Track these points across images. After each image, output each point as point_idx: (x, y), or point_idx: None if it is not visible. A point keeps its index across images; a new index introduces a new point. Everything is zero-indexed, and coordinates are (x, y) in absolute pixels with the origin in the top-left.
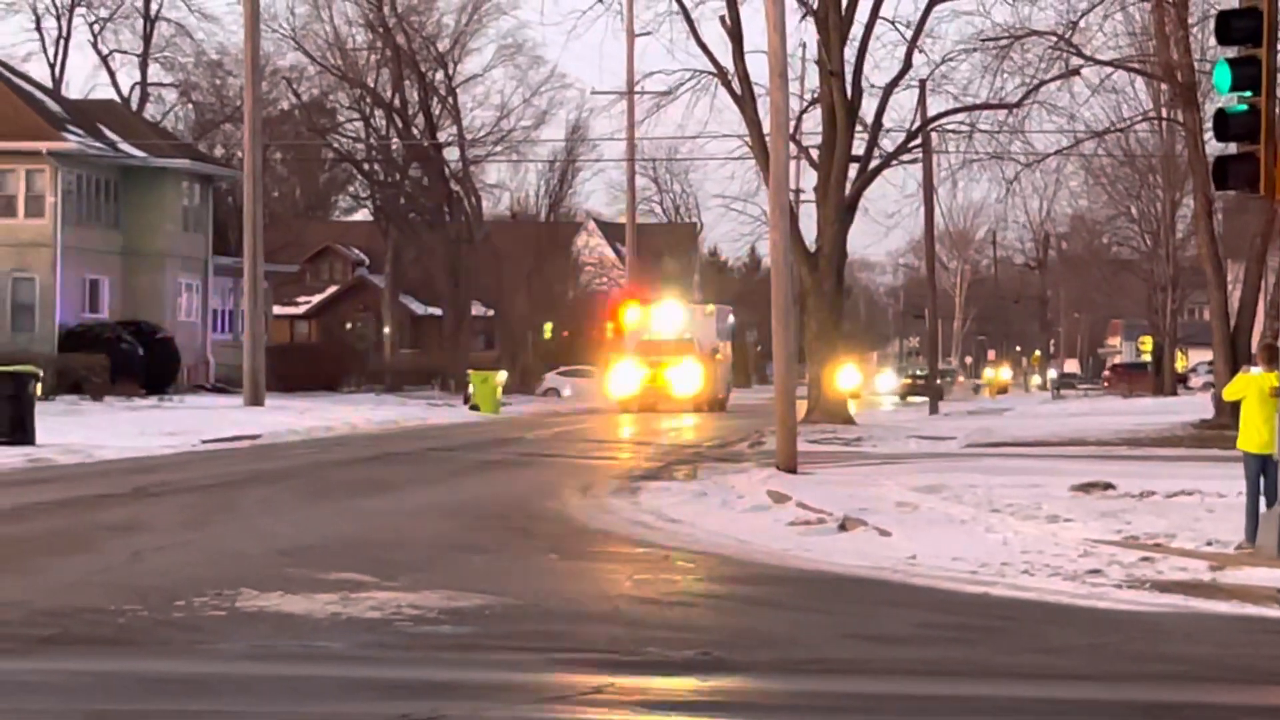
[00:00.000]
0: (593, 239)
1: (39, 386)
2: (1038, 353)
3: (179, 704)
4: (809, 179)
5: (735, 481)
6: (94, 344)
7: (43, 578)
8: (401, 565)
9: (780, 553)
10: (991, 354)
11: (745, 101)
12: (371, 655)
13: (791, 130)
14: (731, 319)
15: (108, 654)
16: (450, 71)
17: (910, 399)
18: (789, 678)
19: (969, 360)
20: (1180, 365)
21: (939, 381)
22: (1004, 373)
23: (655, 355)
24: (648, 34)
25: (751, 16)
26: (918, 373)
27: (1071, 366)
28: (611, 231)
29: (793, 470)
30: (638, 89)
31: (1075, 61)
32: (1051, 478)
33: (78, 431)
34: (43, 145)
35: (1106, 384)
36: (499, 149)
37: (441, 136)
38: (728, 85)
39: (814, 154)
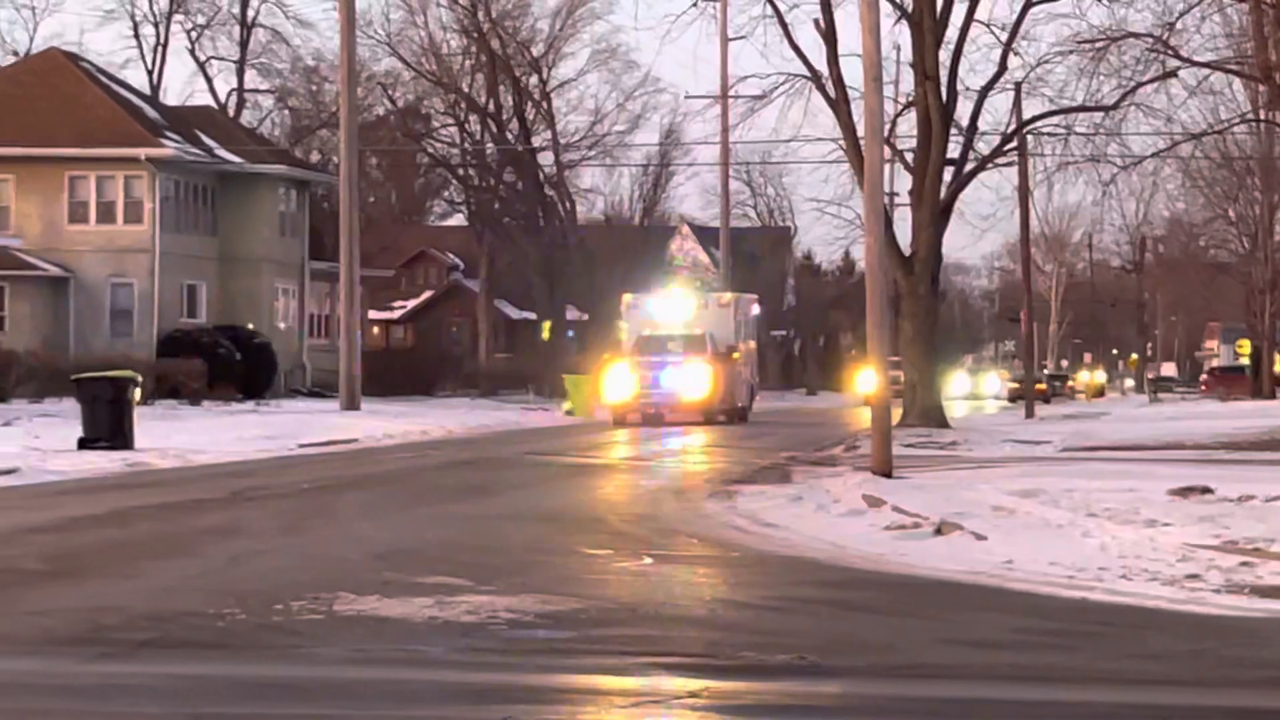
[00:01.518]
0: (687, 243)
1: (138, 391)
2: (1134, 356)
3: (278, 708)
4: (903, 182)
5: (830, 486)
6: (192, 349)
7: (142, 581)
8: (497, 569)
9: (876, 557)
10: (1088, 357)
11: (839, 105)
12: (468, 659)
13: (886, 134)
14: (756, 310)
15: (207, 658)
16: (544, 76)
17: (1017, 402)
18: (885, 683)
19: (1064, 364)
20: (1279, 368)
21: (1049, 386)
22: (1099, 376)
23: (656, 355)
24: (741, 38)
25: (846, 20)
26: (1041, 373)
27: (1168, 370)
28: (705, 235)
29: (888, 474)
30: (731, 93)
31: (1172, 63)
32: (1149, 482)
33: (176, 436)
34: (141, 151)
35: (1204, 387)
36: (593, 153)
37: (536, 141)
38: (822, 89)
39: (909, 157)
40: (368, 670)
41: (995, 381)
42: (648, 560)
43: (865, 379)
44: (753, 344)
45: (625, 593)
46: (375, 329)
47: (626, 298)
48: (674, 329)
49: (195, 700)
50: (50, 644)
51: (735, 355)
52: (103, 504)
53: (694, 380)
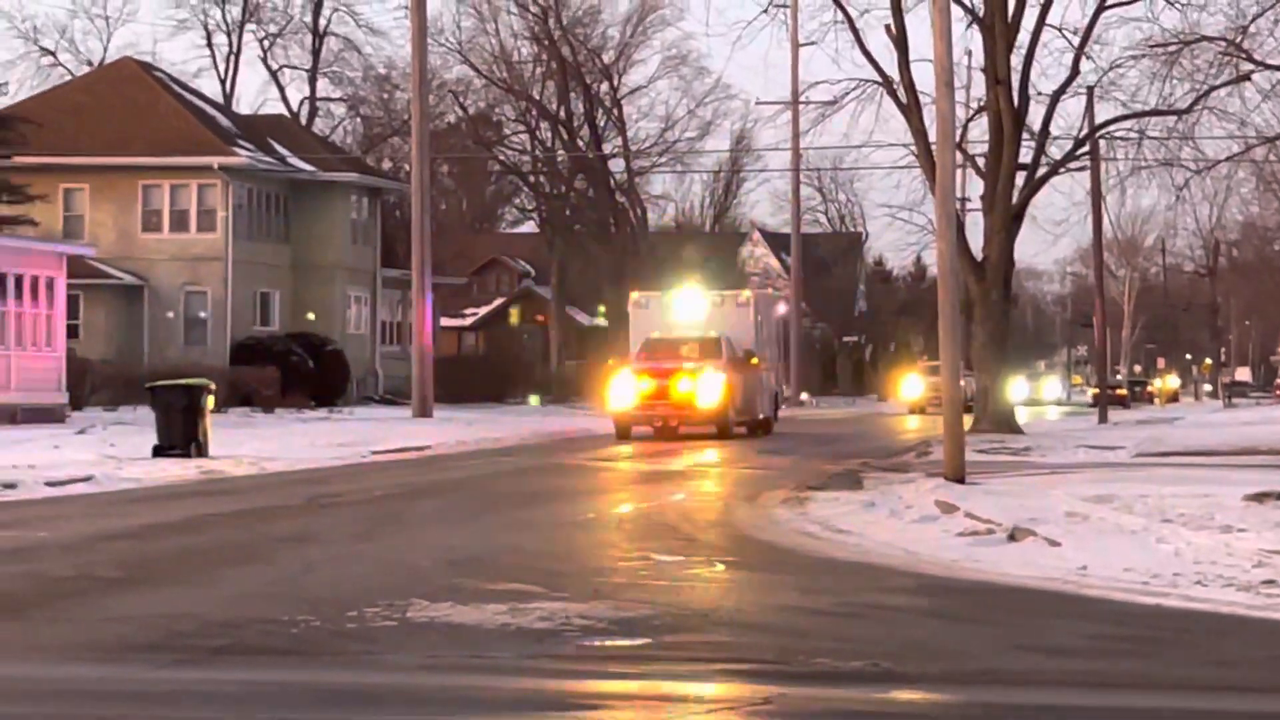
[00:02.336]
0: (758, 249)
1: (211, 399)
2: (1208, 361)
3: (352, 714)
4: (975, 187)
5: (903, 492)
6: (264, 357)
7: (216, 588)
8: (569, 575)
9: (949, 563)
10: (1161, 362)
11: (911, 110)
12: (541, 666)
13: (958, 139)
14: (782, 309)
15: (281, 664)
16: (615, 83)
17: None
18: (959, 689)
19: (1138, 369)
20: None
21: (1129, 391)
22: (1172, 381)
23: (664, 361)
24: (812, 44)
25: (917, 26)
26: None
27: (1243, 374)
28: (776, 241)
29: (961, 480)
30: (802, 99)
31: (1245, 67)
32: (1224, 487)
33: (249, 443)
34: (214, 160)
35: (1278, 392)
36: (664, 160)
37: (607, 148)
38: (893, 94)
39: (980, 162)
40: (441, 677)
41: (1056, 386)
42: (719, 566)
43: (910, 385)
44: (777, 347)
45: (697, 599)
46: (447, 336)
47: (634, 296)
48: (686, 331)
49: (269, 707)
50: (126, 650)
51: (754, 360)
52: (177, 511)
53: (706, 389)
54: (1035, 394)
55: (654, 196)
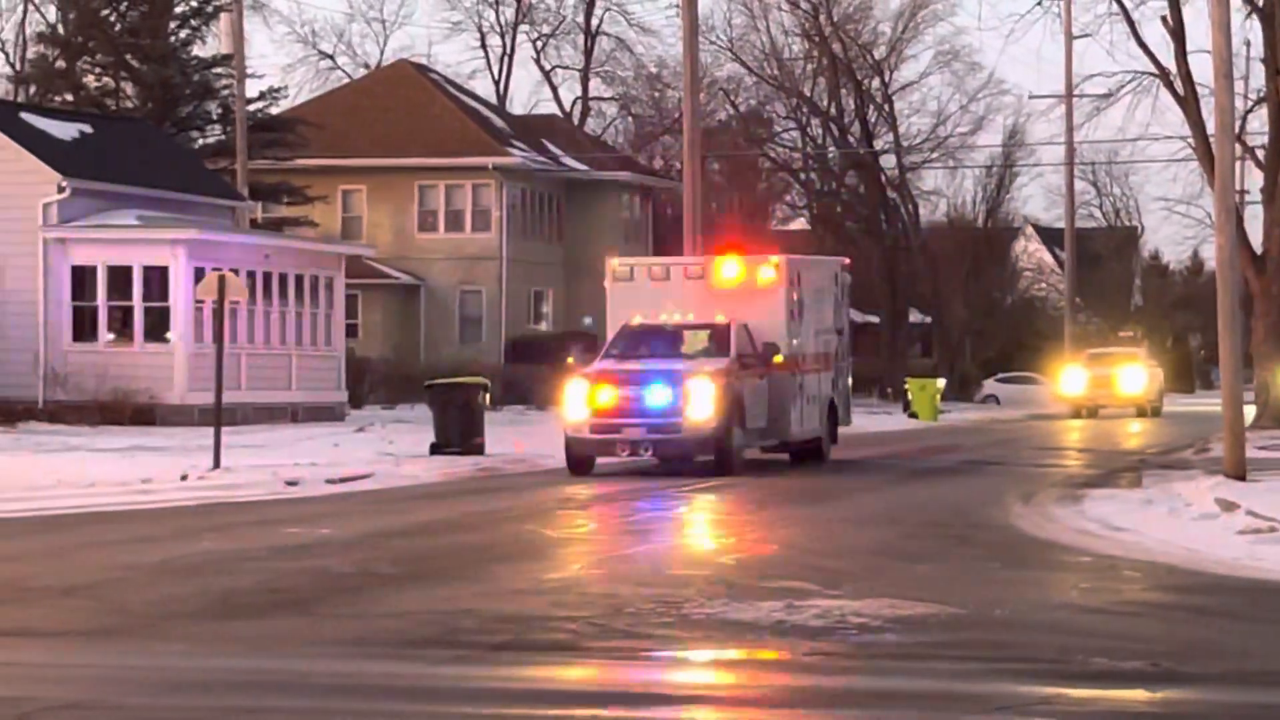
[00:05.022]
0: (1030, 244)
1: (487, 397)
2: None
3: (635, 711)
4: (1255, 180)
5: (1182, 489)
6: (538, 355)
7: (493, 585)
8: (844, 573)
9: (1230, 562)
10: None
11: (1188, 102)
12: (818, 664)
13: (1237, 130)
14: (835, 283)
15: (559, 661)
16: (886, 79)
17: None
18: (1242, 690)
19: None
20: None
21: None
22: None
23: (638, 360)
24: (1086, 36)
25: (1194, 17)
26: None
27: None
28: (1049, 236)
29: (1241, 477)
30: (1076, 92)
31: None
32: None
33: (525, 441)
34: (489, 160)
35: None
36: (935, 155)
37: (878, 144)
38: (1169, 86)
39: (1260, 154)
40: (717, 674)
41: None
42: (996, 565)
43: (1070, 379)
44: (842, 337)
45: (974, 597)
46: None
47: (612, 264)
48: (683, 315)
49: (551, 703)
50: (407, 646)
51: (777, 358)
52: (454, 508)
53: (695, 400)
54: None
55: (925, 192)
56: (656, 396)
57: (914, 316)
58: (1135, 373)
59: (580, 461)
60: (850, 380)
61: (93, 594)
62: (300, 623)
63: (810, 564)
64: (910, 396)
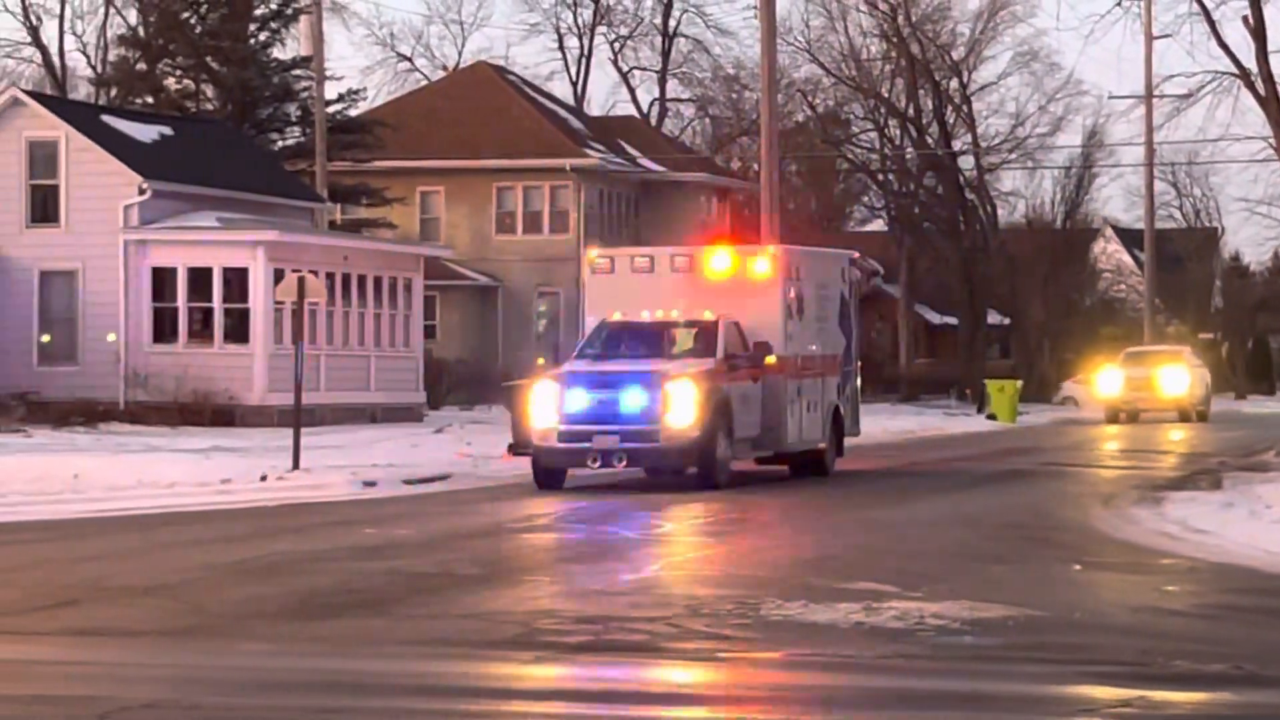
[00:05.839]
0: (1110, 245)
1: None
2: None
3: (712, 712)
4: None
5: (1263, 492)
6: None
7: (570, 585)
8: (922, 575)
9: None
10: None
11: (1269, 103)
12: (897, 665)
13: None
14: (843, 279)
15: (636, 662)
16: (965, 80)
17: None
18: None
19: None
20: None
21: None
22: None
23: (614, 361)
24: (1166, 36)
25: (1276, 17)
26: None
27: None
28: (1129, 237)
29: None
30: (1156, 92)
31: None
32: None
33: None
34: (566, 162)
35: None
36: (1014, 156)
37: (956, 145)
38: (1250, 86)
39: None
40: (796, 675)
41: None
42: (1075, 567)
43: (1106, 380)
44: (850, 336)
45: (1053, 600)
46: None
47: (590, 255)
48: (666, 310)
49: (629, 703)
50: (488, 646)
51: (770, 358)
52: (530, 510)
53: (677, 405)
54: None
55: (1004, 193)
56: (632, 401)
57: (992, 318)
58: (1177, 373)
59: (549, 474)
60: (859, 384)
61: (172, 594)
62: (379, 623)
63: (882, 565)
64: (989, 398)
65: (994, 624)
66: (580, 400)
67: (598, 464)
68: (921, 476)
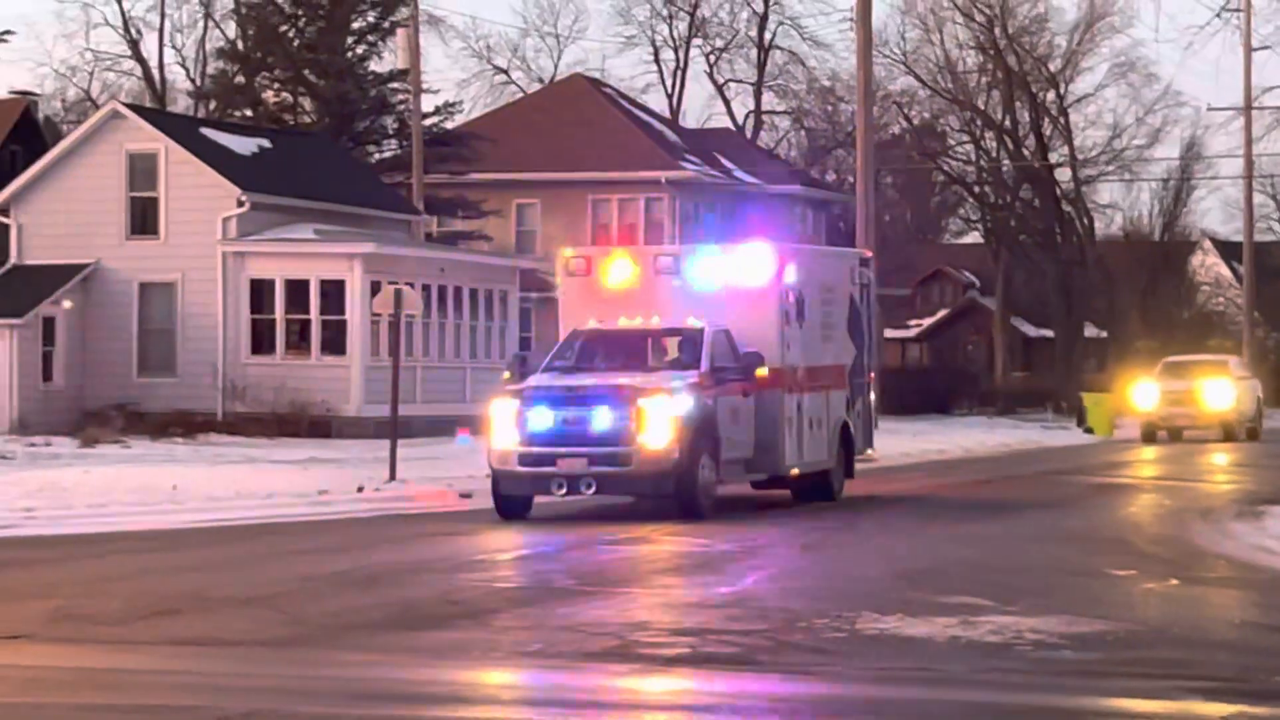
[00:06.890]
0: (1208, 258)
1: None
2: None
3: None
4: None
5: None
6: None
7: (666, 596)
8: (1019, 589)
9: None
10: None
11: None
12: (994, 680)
13: None
14: (847, 280)
15: (733, 675)
16: (1062, 91)
17: None
18: None
19: None
20: None
21: None
22: None
23: (586, 374)
24: (1266, 48)
25: None
26: None
27: None
28: (1228, 250)
29: None
30: (1256, 104)
31: None
32: None
33: None
34: (661, 174)
35: None
36: (1111, 168)
37: (1052, 157)
38: None
39: None
40: (892, 689)
41: None
42: (1174, 582)
43: (1142, 394)
44: (858, 344)
45: (1152, 614)
46: (890, 348)
47: (565, 255)
48: (645, 317)
49: (726, 715)
50: (584, 657)
51: (761, 370)
52: (623, 524)
53: (652, 424)
54: None
55: (1101, 206)
56: (602, 419)
57: (1089, 331)
58: (1221, 387)
59: (511, 502)
60: (873, 398)
61: (272, 604)
62: (478, 634)
63: (980, 579)
64: (1086, 411)
65: (1092, 639)
66: (544, 419)
67: (563, 490)
68: (962, 502)
